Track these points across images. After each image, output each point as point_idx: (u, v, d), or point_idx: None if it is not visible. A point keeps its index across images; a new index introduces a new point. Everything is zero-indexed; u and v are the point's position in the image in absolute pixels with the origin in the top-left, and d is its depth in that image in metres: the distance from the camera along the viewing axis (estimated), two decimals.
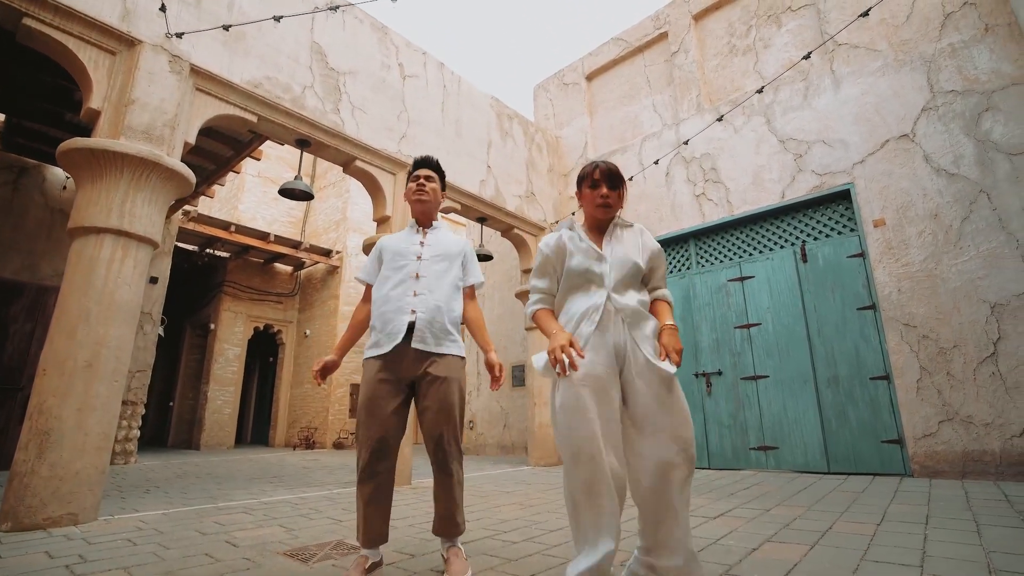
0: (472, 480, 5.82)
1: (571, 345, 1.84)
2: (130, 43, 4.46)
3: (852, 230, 6.09)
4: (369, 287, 2.61)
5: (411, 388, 2.42)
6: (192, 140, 4.73)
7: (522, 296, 8.44)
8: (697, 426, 6.66)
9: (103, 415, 3.77)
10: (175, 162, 4.33)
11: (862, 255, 5.90)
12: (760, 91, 6.39)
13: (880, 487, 4.60)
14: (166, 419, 14.46)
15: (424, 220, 2.65)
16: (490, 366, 2.48)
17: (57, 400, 3.59)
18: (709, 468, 6.58)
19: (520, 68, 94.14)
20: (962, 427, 5.04)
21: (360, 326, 2.61)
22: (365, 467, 2.29)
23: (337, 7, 5.21)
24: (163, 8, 4.45)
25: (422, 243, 2.57)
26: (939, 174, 5.52)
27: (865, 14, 4.80)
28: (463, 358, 2.49)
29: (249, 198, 14.90)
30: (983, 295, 5.13)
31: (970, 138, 5.41)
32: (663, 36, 8.42)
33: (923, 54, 5.81)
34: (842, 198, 6.19)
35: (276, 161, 15.30)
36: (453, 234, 2.71)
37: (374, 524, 2.30)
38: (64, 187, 8.69)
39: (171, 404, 14.10)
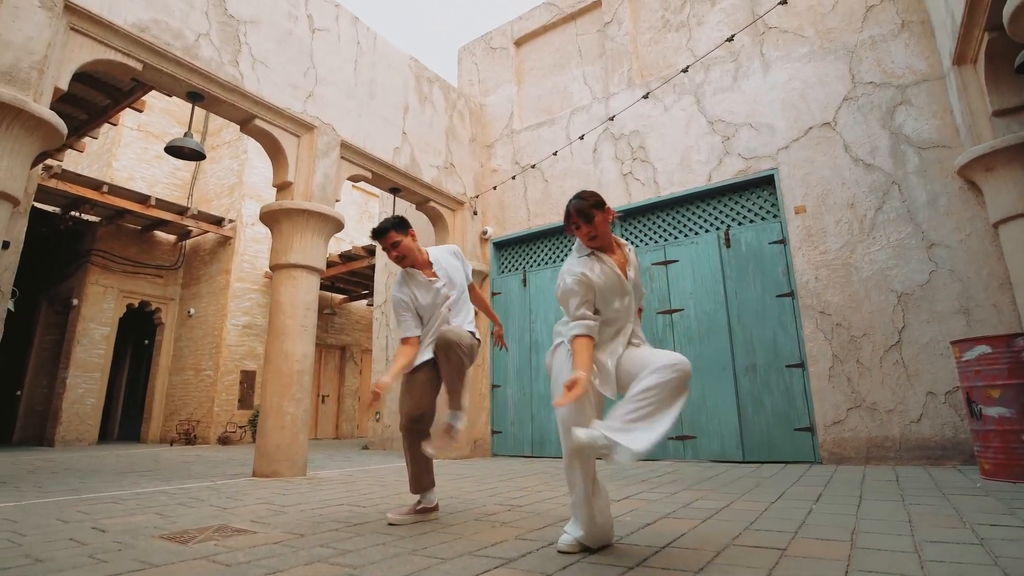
0: (377, 472, 5.44)
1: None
2: None
3: (775, 216, 6.05)
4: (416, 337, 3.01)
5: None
6: (64, 86, 4.30)
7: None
8: None
9: None
10: (42, 109, 3.96)
11: (783, 242, 5.86)
12: (685, 71, 6.26)
13: (788, 473, 4.52)
14: (12, 410, 12.31)
15: (420, 267, 3.04)
16: (498, 333, 3.34)
17: None
18: None
19: (443, 27, 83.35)
20: (867, 414, 5.06)
21: (412, 362, 2.99)
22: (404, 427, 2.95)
23: None
24: None
25: (439, 289, 3.00)
26: (857, 164, 5.55)
27: None
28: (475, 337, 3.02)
29: (126, 154, 12.94)
30: (891, 284, 5.18)
31: (885, 130, 5.46)
32: (597, 4, 8.10)
33: (846, 44, 5.83)
34: (766, 183, 6.15)
35: (161, 114, 13.47)
36: (442, 253, 3.12)
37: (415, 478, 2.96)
38: None
39: (19, 393, 12.13)
